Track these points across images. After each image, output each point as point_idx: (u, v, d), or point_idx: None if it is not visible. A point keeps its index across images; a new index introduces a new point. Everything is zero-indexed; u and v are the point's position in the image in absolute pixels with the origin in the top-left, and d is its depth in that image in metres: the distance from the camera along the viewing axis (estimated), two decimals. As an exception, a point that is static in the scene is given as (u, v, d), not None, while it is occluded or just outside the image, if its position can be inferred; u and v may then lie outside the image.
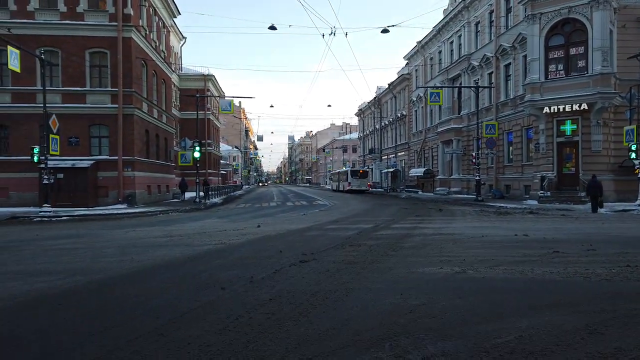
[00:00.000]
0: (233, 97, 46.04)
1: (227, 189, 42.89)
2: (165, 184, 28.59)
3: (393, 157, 52.29)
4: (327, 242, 9.26)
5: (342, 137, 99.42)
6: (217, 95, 47.52)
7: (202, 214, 19.51)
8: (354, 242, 9.12)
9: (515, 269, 6.41)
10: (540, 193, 22.11)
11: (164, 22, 29.35)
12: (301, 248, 8.37)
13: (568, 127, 21.84)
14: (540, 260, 7.07)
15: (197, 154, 25.76)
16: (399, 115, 49.64)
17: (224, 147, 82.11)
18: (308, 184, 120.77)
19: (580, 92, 20.97)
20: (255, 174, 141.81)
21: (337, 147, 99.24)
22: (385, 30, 25.19)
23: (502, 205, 20.96)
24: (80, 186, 20.85)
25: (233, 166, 74.55)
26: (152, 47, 25.63)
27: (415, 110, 44.53)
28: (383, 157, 55.92)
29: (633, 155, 19.15)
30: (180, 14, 31.65)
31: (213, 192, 32.38)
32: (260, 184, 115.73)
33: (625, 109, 20.68)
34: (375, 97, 59.91)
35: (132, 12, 22.05)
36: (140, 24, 23.68)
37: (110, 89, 21.85)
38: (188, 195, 29.59)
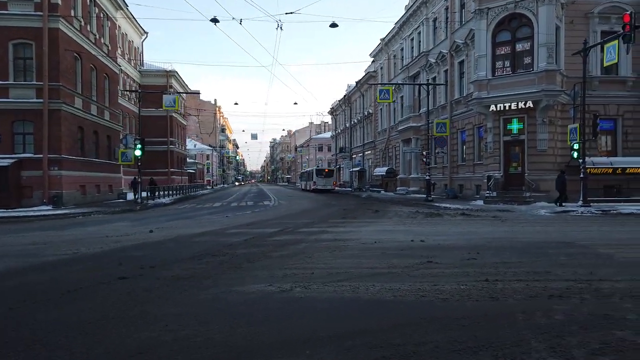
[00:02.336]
0: (180, 92, 44.72)
1: (187, 188, 41.62)
2: (108, 184, 27.32)
3: (361, 156, 51.59)
4: (197, 250, 8.34)
5: (317, 136, 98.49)
6: (179, 92, 46.04)
7: (126, 216, 18.38)
8: (225, 251, 8.20)
9: (362, 284, 5.59)
10: (487, 193, 21.50)
11: (107, 14, 28.03)
12: (153, 259, 7.44)
13: (515, 126, 21.25)
14: (401, 272, 6.27)
15: (138, 153, 24.59)
16: (366, 113, 48.94)
17: (196, 146, 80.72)
18: (287, 183, 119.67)
19: (526, 89, 20.38)
20: (234, 172, 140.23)
21: (313, 146, 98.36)
22: (333, 25, 24.36)
23: (447, 205, 20.28)
24: (1, 186, 19.54)
25: (205, 165, 72.99)
26: (89, 39, 24.33)
27: (381, 109, 43.85)
28: (353, 156, 55.23)
29: (575, 154, 18.60)
30: (127, 5, 30.33)
31: (165, 192, 31.18)
32: (238, 183, 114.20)
33: (571, 106, 20.14)
34: (345, 96, 59.12)
35: (59, 2, 20.78)
36: (73, 15, 22.39)
37: (35, 82, 20.57)
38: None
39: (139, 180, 26.77)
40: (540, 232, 10.76)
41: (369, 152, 48.66)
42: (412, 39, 34.84)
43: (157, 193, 28.54)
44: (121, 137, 28.83)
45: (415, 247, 8.47)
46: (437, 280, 5.79)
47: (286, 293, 5.22)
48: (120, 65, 34.57)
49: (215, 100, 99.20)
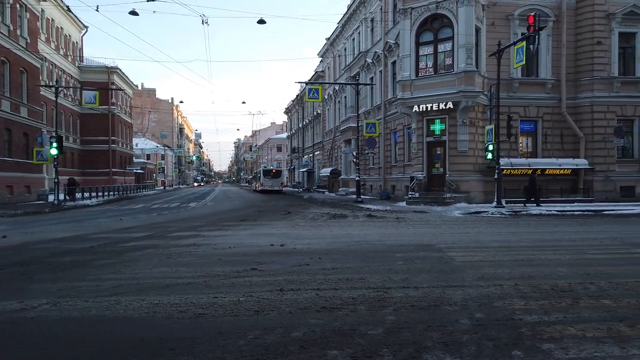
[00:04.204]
0: (111, 88, 43.13)
1: (127, 189, 39.99)
2: (24, 184, 25.79)
3: (311, 156, 51.21)
4: (20, 258, 7.59)
5: (276, 136, 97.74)
6: (117, 88, 44.41)
7: (19, 219, 17.21)
8: (47, 259, 7.49)
9: (136, 298, 5.02)
10: (410, 194, 21.39)
11: (26, 6, 26.50)
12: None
13: (437, 127, 21.22)
14: (206, 282, 5.78)
15: (54, 151, 23.24)
16: (315, 114, 48.58)
17: (149, 145, 78.47)
18: (247, 184, 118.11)
19: (447, 90, 20.35)
20: (196, 173, 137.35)
21: (272, 146, 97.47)
22: (261, 21, 23.75)
23: (370, 207, 20.00)
24: None
25: (157, 165, 70.98)
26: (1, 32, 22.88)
27: (328, 109, 43.57)
28: (304, 157, 54.80)
29: (489, 155, 18.66)
30: (52, -3, 28.80)
31: (93, 193, 29.80)
32: (197, 184, 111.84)
33: (490, 108, 20.22)
34: (297, 95, 58.62)
35: (-42, -11, 19.39)
36: (-23, 4, 20.96)
37: None
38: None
39: (56, 180, 25.37)
40: (417, 235, 10.49)
41: (318, 152, 48.34)
42: (353, 39, 34.66)
43: (79, 194, 27.12)
44: (76, 135, 27.34)
45: (265, 253, 7.98)
46: (232, 290, 5.32)
47: (25, 313, 4.58)
48: (44, 60, 32.87)
49: (172, 99, 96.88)
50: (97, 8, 21.50)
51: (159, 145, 79.06)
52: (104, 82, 45.46)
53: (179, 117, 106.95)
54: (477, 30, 20.73)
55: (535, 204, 18.74)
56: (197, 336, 3.81)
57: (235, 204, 24.83)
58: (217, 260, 7.22)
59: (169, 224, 13.59)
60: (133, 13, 22.20)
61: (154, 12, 28.22)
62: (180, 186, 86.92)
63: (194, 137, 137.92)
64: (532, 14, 16.17)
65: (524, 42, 16.34)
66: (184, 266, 6.80)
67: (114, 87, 46.04)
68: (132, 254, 7.93)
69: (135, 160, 59.66)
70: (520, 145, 22.24)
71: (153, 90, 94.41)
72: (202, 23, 23.25)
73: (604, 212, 16.84)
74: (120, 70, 47.95)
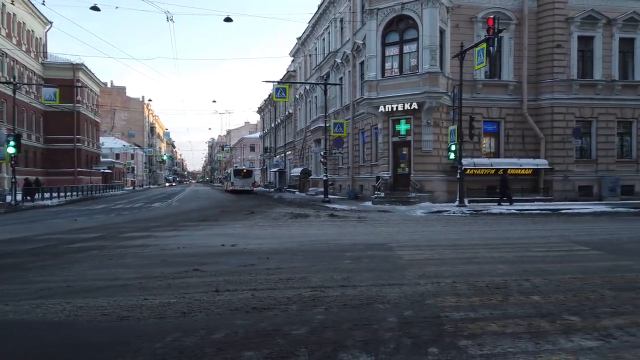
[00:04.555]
0: (76, 85, 42.05)
1: (93, 189, 38.92)
2: (-21, 184, 24.80)
3: (283, 156, 51.02)
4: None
5: (249, 136, 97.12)
6: (81, 85, 43.26)
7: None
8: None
9: (57, 302, 4.82)
10: (376, 194, 21.52)
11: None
12: None
13: (402, 127, 21.40)
14: (142, 284, 5.63)
15: (12, 150, 22.43)
16: (287, 113, 48.42)
17: (119, 144, 76.72)
18: (220, 184, 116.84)
19: (412, 91, 20.53)
20: (168, 172, 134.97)
21: (245, 146, 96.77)
22: (228, 19, 23.49)
23: (336, 206, 20.02)
24: None
25: (125, 164, 69.45)
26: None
27: (299, 109, 43.47)
28: (276, 156, 54.55)
29: (452, 155, 18.92)
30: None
31: (55, 194, 28.91)
32: (168, 184, 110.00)
33: (453, 108, 20.52)
34: (270, 95, 58.27)
35: None
36: None
37: None
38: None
39: (32, 180, 24.63)
40: (373, 234, 10.53)
41: (290, 152, 48.19)
42: (324, 39, 34.68)
43: (39, 194, 26.27)
44: (40, 133, 26.33)
45: (213, 253, 7.85)
46: (166, 292, 5.21)
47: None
48: (3, 56, 31.74)
49: (143, 97, 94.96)
50: None
51: (127, 144, 77.37)
52: (69, 79, 44.24)
53: (150, 115, 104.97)
54: (442, 32, 21.01)
55: (508, 203, 19.12)
56: (115, 340, 3.69)
57: (200, 204, 24.49)
58: (161, 262, 7.06)
59: (125, 225, 13.27)
60: (94, 8, 21.69)
61: (117, 7, 27.68)
62: (151, 186, 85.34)
63: (165, 136, 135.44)
64: (492, 17, 16.48)
65: (485, 45, 16.61)
66: (123, 268, 6.62)
67: (80, 84, 44.85)
68: (73, 256, 7.69)
69: (102, 159, 58.27)
70: (484, 145, 22.64)
71: (123, 88, 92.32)
72: (167, 20, 22.85)
73: (561, 211, 17.29)
74: (86, 67, 46.74)
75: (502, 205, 18.88)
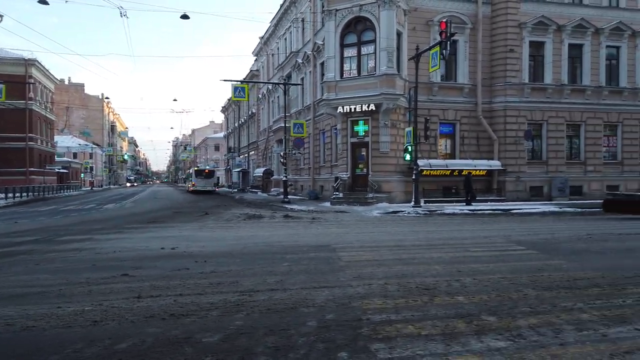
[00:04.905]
0: (28, 82, 40.38)
1: (44, 189, 37.29)
2: None
3: (246, 156, 50.52)
4: None
5: (213, 135, 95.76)
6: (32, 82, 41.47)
7: None
8: None
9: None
10: (334, 194, 21.55)
11: None
12: None
13: (361, 128, 21.53)
14: (62, 290, 5.38)
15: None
16: (250, 113, 47.97)
17: (76, 143, 74.04)
18: (184, 184, 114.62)
19: (369, 92, 20.67)
20: (129, 172, 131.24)
21: (209, 146, 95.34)
22: (184, 16, 23.00)
23: (294, 207, 19.93)
24: None
25: (83, 164, 67.04)
26: None
27: (262, 108, 43.13)
28: (239, 156, 53.92)
29: (407, 156, 19.16)
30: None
31: (5, 194, 27.57)
32: (129, 184, 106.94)
33: (409, 110, 20.78)
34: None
35: None
36: None
37: None
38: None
39: None
40: (321, 235, 10.48)
41: (253, 152, 47.79)
42: (286, 39, 34.54)
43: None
44: None
45: (149, 257, 7.60)
46: (84, 299, 4.98)
47: None
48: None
49: (102, 94, 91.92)
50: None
51: (84, 143, 74.78)
52: (21, 76, 42.30)
53: (111, 113, 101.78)
54: (399, 34, 21.24)
55: (468, 203, 19.66)
56: (10, 354, 3.45)
57: (156, 205, 23.87)
58: (91, 266, 6.76)
59: (67, 227, 12.73)
60: (42, 2, 20.81)
61: (66, 1, 26.45)
62: (111, 186, 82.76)
63: (127, 135, 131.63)
64: (445, 20, 16.77)
65: (438, 48, 16.88)
66: (48, 273, 6.30)
67: (32, 80, 42.98)
68: (-1, 261, 7.27)
69: (58, 159, 56.10)
70: (440, 146, 23.05)
71: (81, 85, 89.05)
72: (121, 16, 22.13)
73: (511, 211, 17.79)
74: (40, 62, 44.83)
75: (472, 204, 19.45)
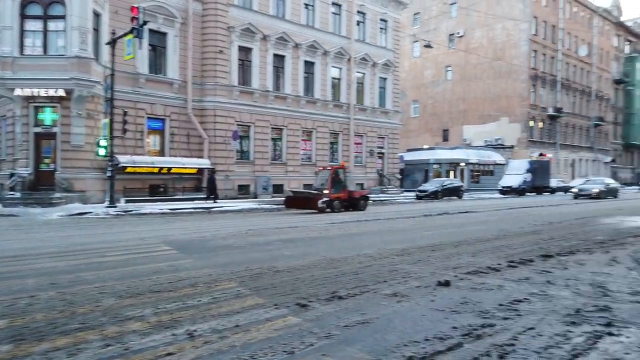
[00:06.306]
0: None
1: None
2: None
3: None
4: None
5: None
6: None
7: None
8: None
9: None
10: (10, 194, 17.77)
11: None
12: None
13: (48, 116, 18.40)
14: None
15: None
16: None
17: None
18: None
19: (58, 75, 17.71)
20: None
21: None
22: None
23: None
24: None
25: None
26: None
27: None
28: None
29: (101, 151, 17.29)
30: None
31: None
32: None
33: (109, 100, 18.82)
34: None
35: None
36: None
37: None
38: None
39: None
40: None
41: None
42: None
43: None
44: None
45: None
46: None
47: None
48: None
49: None
50: None
51: None
52: None
53: None
54: (98, 15, 19.01)
55: (213, 200, 20.27)
56: None
57: None
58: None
59: None
60: None
61: None
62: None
63: None
64: (136, 6, 15.64)
65: (131, 35, 15.65)
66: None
67: None
68: None
69: None
70: (148, 142, 21.80)
71: None
72: None
73: (212, 209, 18.05)
74: None
75: (216, 202, 20.07)
